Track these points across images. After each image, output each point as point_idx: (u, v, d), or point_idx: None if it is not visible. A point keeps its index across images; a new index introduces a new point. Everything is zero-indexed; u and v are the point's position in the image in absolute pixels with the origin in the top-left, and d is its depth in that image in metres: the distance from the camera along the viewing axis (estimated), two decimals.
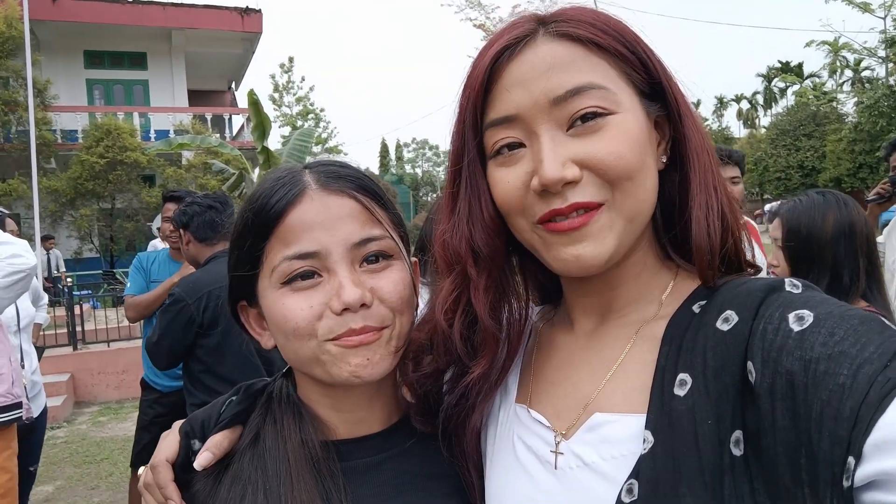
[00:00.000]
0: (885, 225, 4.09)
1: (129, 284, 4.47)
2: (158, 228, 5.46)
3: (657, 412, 0.70)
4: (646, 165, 0.76)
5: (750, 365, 0.65)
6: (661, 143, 0.81)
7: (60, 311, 10.07)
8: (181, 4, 21.41)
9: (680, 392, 0.69)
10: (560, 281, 0.93)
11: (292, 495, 0.81)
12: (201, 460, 0.86)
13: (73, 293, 10.23)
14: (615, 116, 0.74)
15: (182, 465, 0.90)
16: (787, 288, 0.70)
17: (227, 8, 21.94)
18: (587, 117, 0.73)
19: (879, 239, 3.99)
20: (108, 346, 9.15)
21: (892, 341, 0.59)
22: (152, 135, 20.03)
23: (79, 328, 9.28)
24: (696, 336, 0.72)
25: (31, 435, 3.52)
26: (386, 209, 0.91)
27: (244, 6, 21.95)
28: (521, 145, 0.77)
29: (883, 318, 0.64)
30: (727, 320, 0.70)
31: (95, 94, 22.12)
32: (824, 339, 0.61)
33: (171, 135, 17.21)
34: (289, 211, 0.84)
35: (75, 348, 9.14)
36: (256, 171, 13.57)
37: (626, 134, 0.74)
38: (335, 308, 0.82)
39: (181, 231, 3.49)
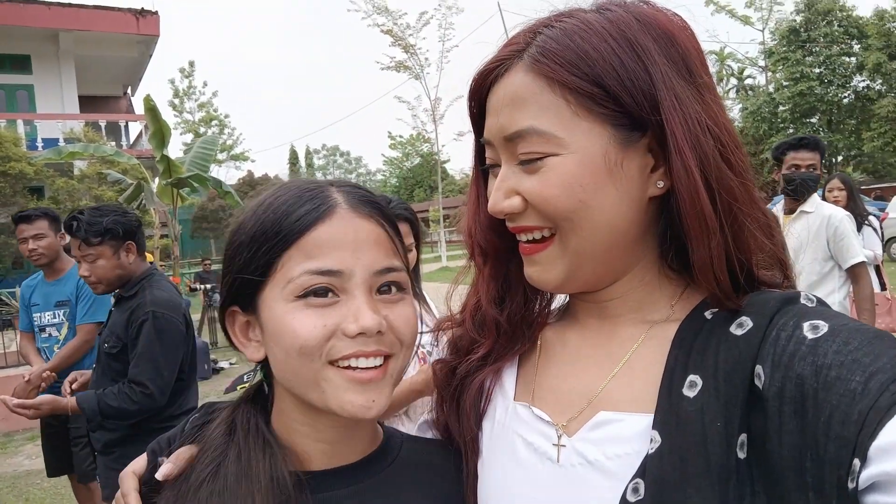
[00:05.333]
0: None
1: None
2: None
3: (665, 412, 0.71)
4: (588, 205, 0.75)
5: (759, 369, 0.66)
6: (662, 166, 0.77)
7: None
8: (69, 4, 20.11)
9: (689, 393, 0.70)
10: None
11: None
12: (162, 470, 0.85)
13: None
14: (553, 159, 0.76)
15: (149, 483, 0.89)
16: (803, 301, 0.72)
17: (120, 9, 20.83)
18: (527, 159, 0.78)
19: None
20: None
21: None
22: (39, 143, 18.69)
23: None
24: (707, 339, 0.73)
25: None
26: (402, 244, 0.91)
27: (139, 7, 20.91)
28: (498, 165, 0.84)
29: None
30: (741, 325, 0.71)
31: None
32: (838, 348, 0.62)
33: (62, 143, 16.17)
34: (317, 225, 0.82)
35: None
36: (156, 180, 12.93)
37: (562, 176, 0.75)
38: (350, 331, 0.79)
39: (123, 243, 2.98)
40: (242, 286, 0.85)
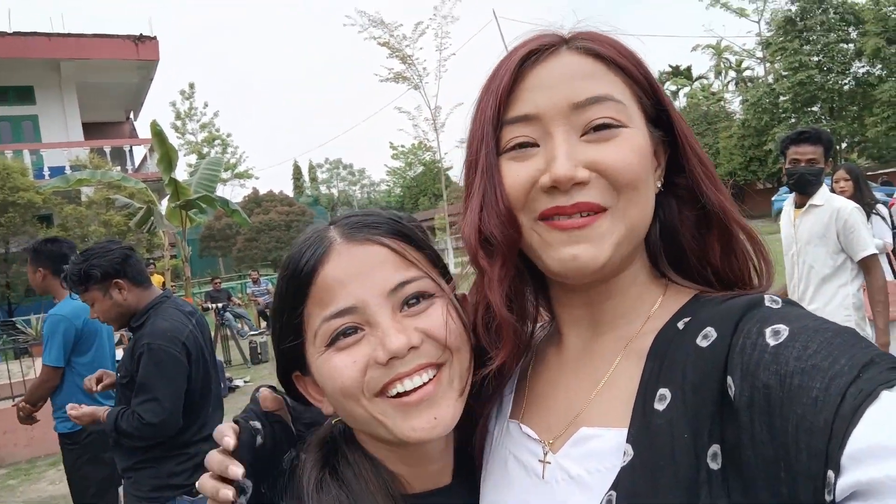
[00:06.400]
0: (779, 213, 4.42)
1: None
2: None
3: (638, 426, 0.72)
4: (649, 179, 0.80)
5: (729, 380, 0.66)
6: (657, 168, 0.85)
7: None
8: (69, 34, 20.36)
9: (659, 406, 0.71)
10: (551, 296, 0.94)
11: None
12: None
13: None
14: (627, 129, 0.78)
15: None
16: (767, 303, 0.72)
17: (119, 36, 21.03)
18: (602, 126, 0.77)
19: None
20: (13, 401, 8.45)
21: (863, 353, 0.60)
22: (46, 172, 18.91)
23: None
24: (676, 352, 0.74)
25: None
26: (419, 249, 0.88)
27: (138, 33, 21.12)
28: (534, 145, 0.79)
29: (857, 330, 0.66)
30: (706, 337, 0.72)
31: None
32: (798, 353, 0.62)
33: (68, 171, 16.30)
34: (318, 270, 0.82)
35: None
36: (164, 202, 13.01)
37: (636, 146, 0.78)
38: (380, 358, 0.78)
39: (109, 282, 2.96)
40: (288, 353, 0.87)
